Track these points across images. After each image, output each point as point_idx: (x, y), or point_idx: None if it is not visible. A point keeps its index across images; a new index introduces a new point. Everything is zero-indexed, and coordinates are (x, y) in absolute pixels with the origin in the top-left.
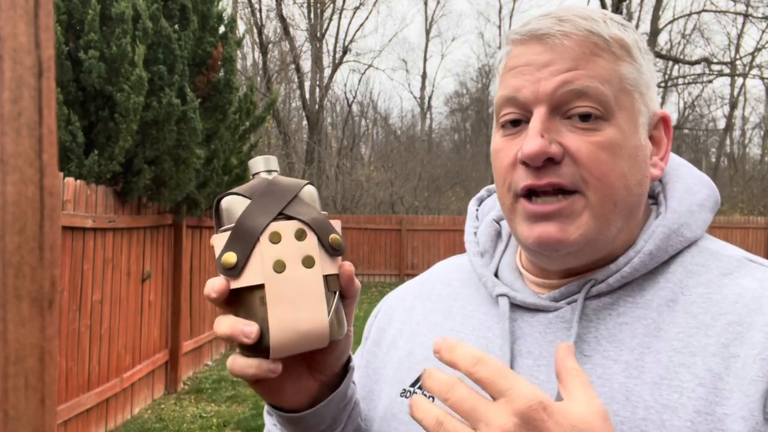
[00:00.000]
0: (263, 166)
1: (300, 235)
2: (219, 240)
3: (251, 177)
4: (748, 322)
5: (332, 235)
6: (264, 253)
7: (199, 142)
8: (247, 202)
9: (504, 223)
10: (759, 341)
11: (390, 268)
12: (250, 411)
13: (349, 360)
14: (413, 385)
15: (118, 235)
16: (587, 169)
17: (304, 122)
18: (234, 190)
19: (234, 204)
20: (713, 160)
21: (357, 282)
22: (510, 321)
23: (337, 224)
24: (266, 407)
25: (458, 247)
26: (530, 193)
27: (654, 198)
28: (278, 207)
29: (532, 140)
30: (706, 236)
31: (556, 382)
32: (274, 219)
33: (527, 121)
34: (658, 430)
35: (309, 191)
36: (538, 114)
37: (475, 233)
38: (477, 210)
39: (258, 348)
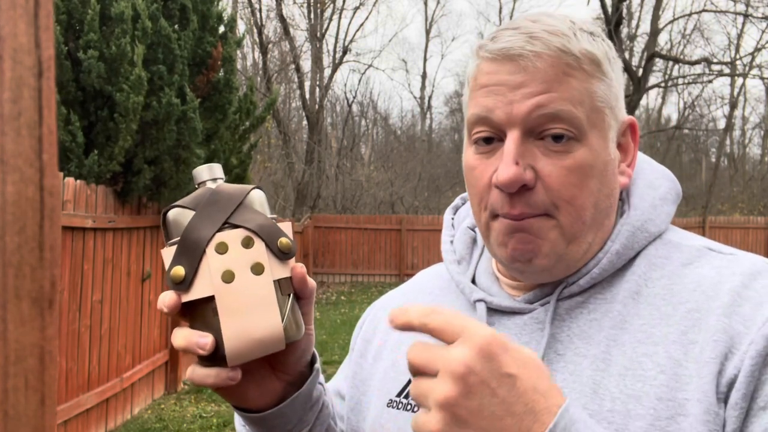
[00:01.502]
0: (207, 174)
1: (247, 243)
2: (167, 254)
3: (196, 186)
4: (705, 308)
5: (281, 239)
6: (211, 264)
7: (199, 141)
8: (192, 213)
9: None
10: (712, 324)
11: (390, 268)
12: None
13: (313, 359)
14: (399, 395)
15: (118, 235)
16: (557, 192)
17: (304, 122)
18: (178, 202)
19: (179, 216)
20: (713, 160)
21: (311, 282)
22: (488, 325)
23: (287, 227)
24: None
25: None
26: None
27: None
28: (223, 216)
29: (506, 168)
30: (671, 227)
31: None
32: (219, 229)
33: (500, 140)
34: (624, 419)
35: (256, 196)
36: (512, 138)
37: (452, 242)
38: (452, 219)
39: (215, 357)
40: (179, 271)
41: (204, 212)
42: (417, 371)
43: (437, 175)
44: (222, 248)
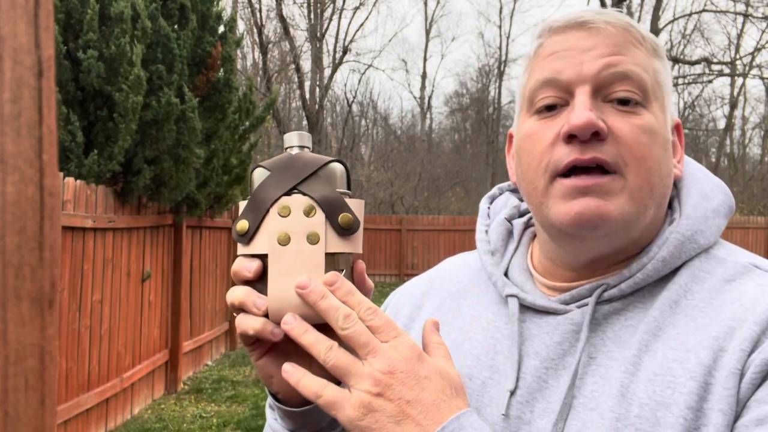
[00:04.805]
0: (296, 141)
1: (309, 212)
2: (241, 207)
3: (284, 150)
4: (741, 319)
5: (343, 214)
6: (272, 225)
7: (199, 141)
8: (268, 174)
9: (516, 222)
10: (744, 335)
11: (390, 268)
12: (250, 411)
13: None
14: None
15: (118, 235)
16: (629, 149)
17: (304, 122)
18: (264, 162)
19: (259, 175)
20: (713, 160)
21: (369, 282)
22: (519, 322)
23: (357, 204)
24: (269, 401)
25: (458, 247)
26: (569, 173)
27: (669, 203)
28: (293, 182)
29: (581, 112)
30: (719, 241)
31: (564, 386)
32: (287, 193)
33: (565, 105)
34: (653, 427)
35: (332, 169)
36: (583, 92)
37: (486, 231)
38: (489, 208)
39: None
40: (244, 224)
41: (277, 175)
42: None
43: (437, 175)
44: (285, 212)
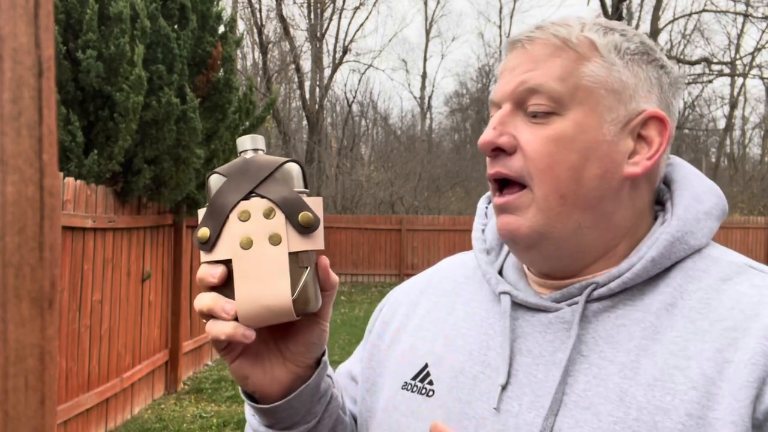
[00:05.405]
0: (249, 144)
1: (268, 214)
2: (200, 214)
3: (238, 154)
4: (743, 328)
5: (302, 213)
6: (233, 230)
7: (199, 141)
8: (224, 180)
9: None
10: (751, 346)
11: (390, 268)
12: None
13: (323, 354)
14: (414, 378)
15: (118, 235)
16: (533, 161)
17: (304, 122)
18: (218, 168)
19: (215, 182)
20: (713, 160)
21: (333, 276)
22: (511, 319)
23: (315, 202)
24: (244, 398)
25: (458, 247)
26: (500, 187)
27: (661, 204)
28: (250, 186)
29: (485, 132)
30: (711, 244)
31: (554, 381)
32: (246, 198)
33: None
34: (651, 431)
35: (288, 169)
36: (502, 110)
37: (483, 230)
38: (486, 208)
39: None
40: (205, 232)
41: (233, 180)
42: None
43: (437, 175)
44: (244, 216)
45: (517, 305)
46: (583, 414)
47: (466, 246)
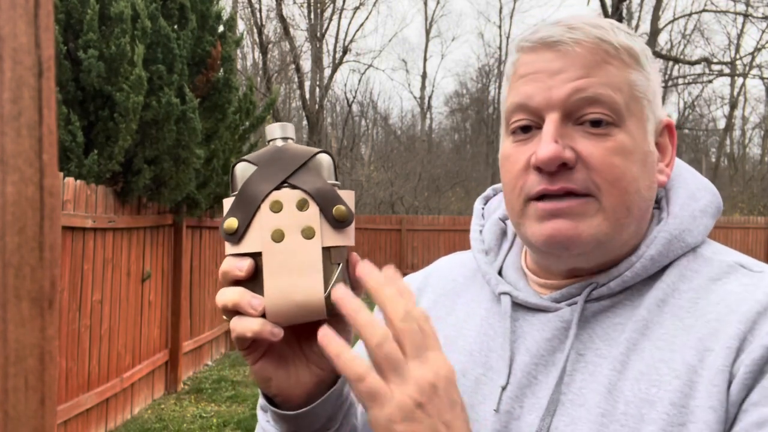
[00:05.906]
0: (279, 132)
1: (302, 206)
2: (226, 204)
3: (267, 143)
4: (725, 320)
5: (337, 206)
6: (264, 221)
7: (199, 141)
8: (254, 168)
9: (510, 222)
10: (728, 333)
11: None
12: (250, 411)
13: None
14: None
15: (118, 235)
16: (600, 173)
17: (304, 122)
18: (247, 156)
19: (243, 170)
20: (713, 160)
21: None
22: (511, 320)
23: (348, 195)
24: (260, 402)
25: (458, 247)
26: (542, 197)
27: (657, 203)
28: (283, 175)
29: (546, 145)
30: (707, 241)
31: (553, 381)
32: (277, 187)
33: (538, 128)
34: (637, 423)
35: (320, 160)
36: (551, 120)
37: (481, 231)
38: (483, 208)
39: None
40: (232, 222)
41: (265, 169)
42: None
43: (437, 175)
44: (276, 207)
45: (517, 305)
46: (578, 411)
47: (466, 246)
